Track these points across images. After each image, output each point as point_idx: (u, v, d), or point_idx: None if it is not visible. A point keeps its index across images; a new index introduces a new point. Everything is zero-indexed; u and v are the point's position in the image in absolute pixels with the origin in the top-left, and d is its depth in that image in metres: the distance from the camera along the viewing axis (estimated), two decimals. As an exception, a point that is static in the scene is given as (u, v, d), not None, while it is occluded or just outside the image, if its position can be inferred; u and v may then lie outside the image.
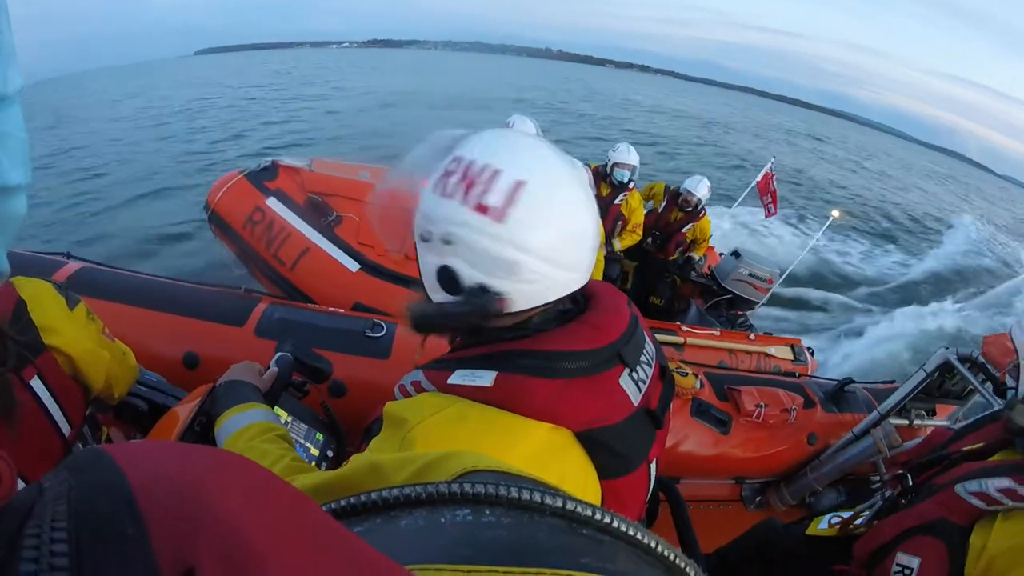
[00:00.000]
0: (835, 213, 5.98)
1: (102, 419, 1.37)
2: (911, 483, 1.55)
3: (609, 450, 0.83)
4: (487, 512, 0.33)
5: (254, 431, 1.06)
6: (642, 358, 0.93)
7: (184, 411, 1.34)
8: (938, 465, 1.52)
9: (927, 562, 1.33)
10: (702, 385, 2.54)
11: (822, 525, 1.85)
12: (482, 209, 0.80)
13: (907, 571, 1.35)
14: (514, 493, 0.33)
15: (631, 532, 0.33)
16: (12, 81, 0.39)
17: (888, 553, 1.42)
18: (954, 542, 1.31)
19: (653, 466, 0.96)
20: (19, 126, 0.41)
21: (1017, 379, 1.31)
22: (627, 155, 4.54)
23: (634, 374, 0.89)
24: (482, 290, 0.83)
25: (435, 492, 0.34)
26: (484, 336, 0.88)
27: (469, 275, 0.83)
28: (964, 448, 1.49)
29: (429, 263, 0.87)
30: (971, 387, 2.22)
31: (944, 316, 8.76)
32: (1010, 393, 1.37)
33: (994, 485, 1.28)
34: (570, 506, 0.33)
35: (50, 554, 0.21)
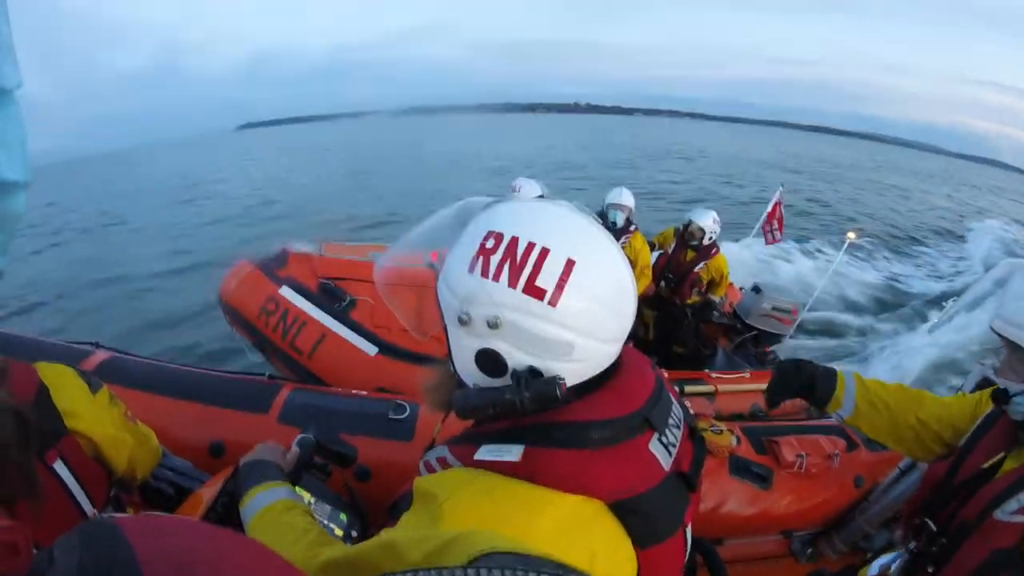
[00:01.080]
0: (851, 235, 5.94)
1: (127, 500, 1.39)
2: (934, 527, 1.48)
3: (643, 518, 0.80)
4: None
5: (280, 507, 1.05)
6: (670, 420, 0.90)
7: (208, 493, 1.35)
8: (955, 499, 1.46)
9: None
10: (739, 441, 2.49)
11: (872, 572, 1.75)
12: (535, 292, 0.77)
13: None
14: None
15: None
16: (10, 77, 0.39)
17: None
18: (1016, 569, 1.26)
19: (688, 531, 0.93)
20: (18, 124, 0.41)
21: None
22: (620, 196, 4.51)
23: (663, 438, 0.87)
24: (532, 373, 0.81)
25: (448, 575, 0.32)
26: (512, 413, 0.84)
27: (517, 358, 0.81)
28: (983, 465, 1.43)
29: (467, 345, 0.84)
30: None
31: (974, 326, 8.59)
32: (1018, 402, 1.32)
33: None
34: None
35: None
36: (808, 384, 1.86)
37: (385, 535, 0.73)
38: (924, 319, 9.30)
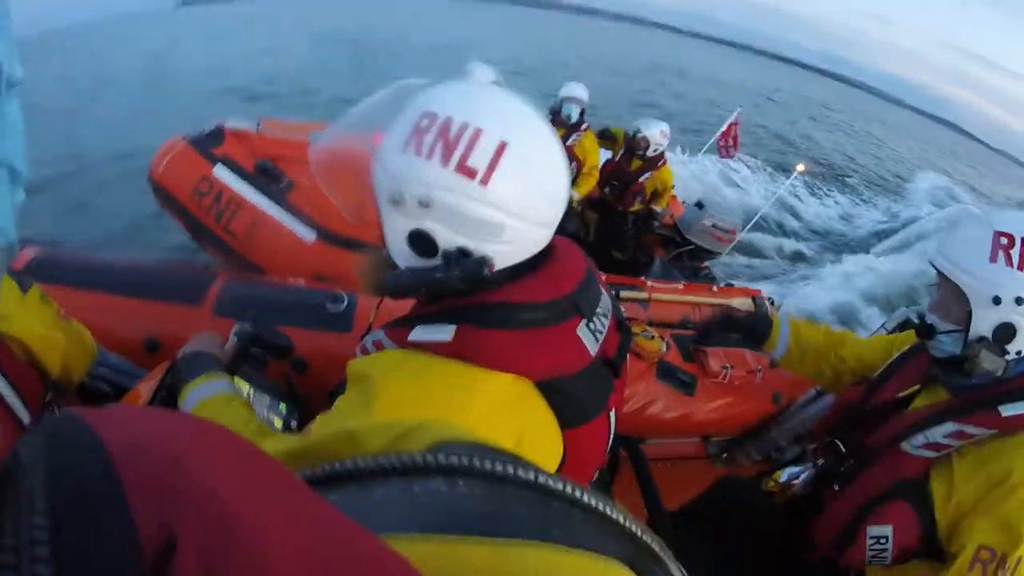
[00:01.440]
0: (800, 167, 6.02)
1: (65, 403, 1.32)
2: (843, 448, 1.57)
3: (569, 399, 0.85)
4: (460, 483, 0.33)
5: (220, 400, 1.06)
6: (599, 309, 0.94)
7: (146, 388, 1.33)
8: (865, 425, 1.53)
9: (899, 526, 1.34)
10: (668, 347, 2.53)
11: (782, 479, 1.88)
12: (466, 172, 0.78)
13: (882, 541, 1.35)
14: (487, 465, 0.33)
15: (600, 507, 0.33)
16: (15, 72, 0.40)
17: (855, 531, 1.41)
18: (917, 498, 1.32)
19: (612, 415, 0.98)
20: (17, 118, 0.41)
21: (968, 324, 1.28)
22: (575, 89, 4.44)
23: (591, 324, 0.90)
24: (462, 254, 0.82)
25: (410, 462, 0.34)
26: (443, 293, 0.87)
27: (448, 239, 0.83)
28: (897, 395, 1.50)
29: (399, 226, 0.85)
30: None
31: (904, 261, 8.95)
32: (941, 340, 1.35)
33: (941, 432, 1.31)
34: (542, 479, 0.33)
35: (30, 515, 0.20)
36: (749, 324, 1.96)
37: (336, 423, 0.78)
38: (864, 251, 9.67)
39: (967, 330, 1.29)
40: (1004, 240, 1.23)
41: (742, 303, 3.98)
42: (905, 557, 1.35)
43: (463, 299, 0.84)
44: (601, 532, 0.32)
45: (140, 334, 2.05)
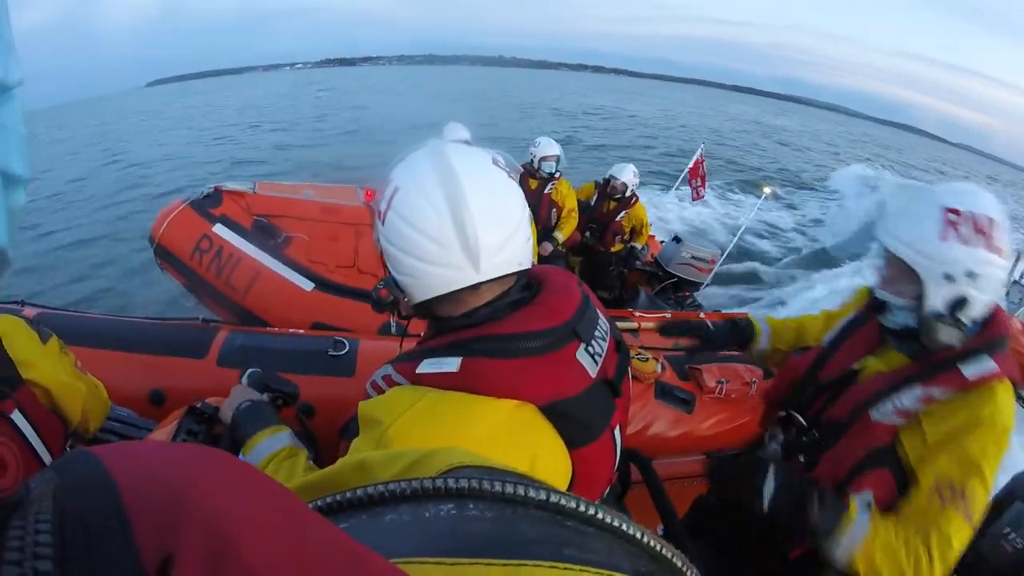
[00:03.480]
0: (767, 189, 6.20)
1: None
2: (803, 422, 1.59)
3: (572, 421, 0.90)
4: (471, 506, 0.33)
5: (284, 453, 1.14)
6: (596, 333, 0.99)
7: (160, 435, 1.36)
8: (821, 397, 1.56)
9: (879, 491, 1.37)
10: (663, 368, 2.60)
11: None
12: (377, 214, 0.95)
13: (864, 502, 1.38)
14: (497, 487, 0.33)
15: (615, 523, 0.33)
16: (12, 73, 0.39)
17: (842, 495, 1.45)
18: (894, 463, 1.36)
19: (617, 433, 1.02)
20: (18, 120, 0.41)
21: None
22: (549, 147, 4.68)
23: (590, 348, 0.95)
24: (394, 280, 0.96)
25: (419, 487, 0.34)
26: (446, 327, 0.96)
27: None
28: (851, 366, 1.54)
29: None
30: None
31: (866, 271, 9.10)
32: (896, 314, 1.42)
33: (909, 398, 1.35)
34: (553, 498, 0.33)
35: (34, 544, 0.21)
36: (731, 328, 2.02)
37: (350, 456, 0.76)
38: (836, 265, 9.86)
39: (920, 305, 1.33)
40: (952, 216, 1.27)
41: (731, 325, 4.08)
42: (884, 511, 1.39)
43: (465, 332, 0.91)
44: (615, 549, 0.32)
45: (145, 388, 2.09)
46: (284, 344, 2.35)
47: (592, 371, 0.93)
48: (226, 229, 3.39)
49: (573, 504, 0.33)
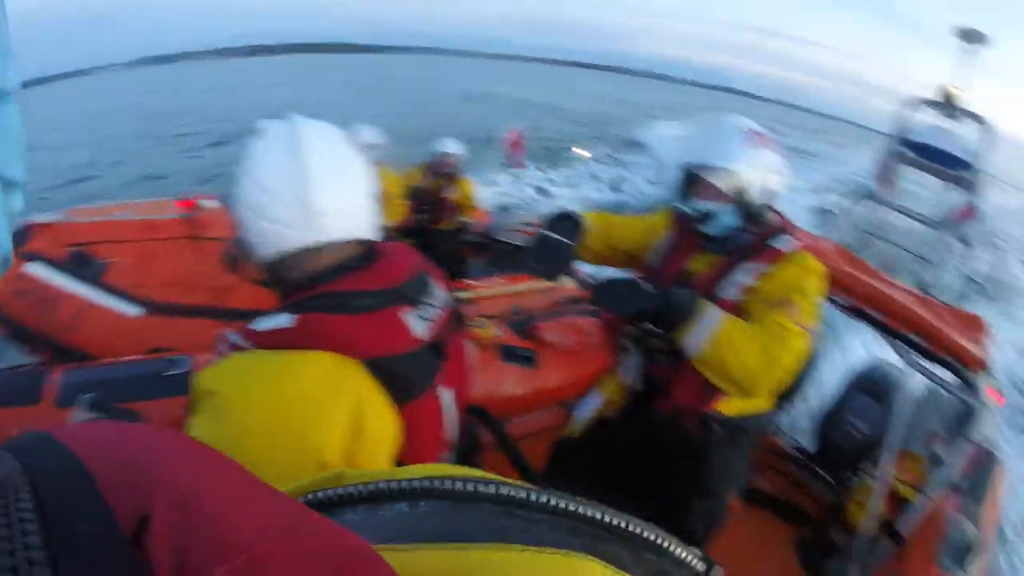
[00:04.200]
0: (581, 152, 6.45)
1: None
2: (654, 328, 1.89)
3: (395, 377, 0.95)
4: (422, 504, 0.36)
5: None
6: (431, 300, 1.07)
7: None
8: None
9: None
10: (502, 332, 2.59)
11: (581, 416, 2.28)
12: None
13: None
14: (448, 485, 0.35)
15: (564, 506, 0.34)
16: (11, 78, 0.39)
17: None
18: None
19: (448, 395, 1.09)
20: (17, 123, 0.42)
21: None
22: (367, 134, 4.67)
23: (420, 312, 1.03)
24: (242, 242, 1.03)
25: (375, 489, 0.37)
26: (288, 291, 1.02)
27: None
28: (683, 267, 1.87)
29: None
30: None
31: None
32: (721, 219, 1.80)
33: (743, 272, 1.73)
34: (503, 491, 0.35)
35: (23, 533, 0.22)
36: (553, 242, 2.10)
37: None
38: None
39: (743, 204, 1.70)
40: (753, 134, 1.70)
41: (565, 280, 4.19)
42: None
43: (304, 291, 0.98)
44: (563, 529, 0.34)
45: None
46: (117, 374, 2.22)
47: (418, 333, 1.00)
48: (40, 266, 3.09)
49: (523, 494, 0.35)
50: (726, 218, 1.73)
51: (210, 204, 3.70)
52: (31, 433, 0.29)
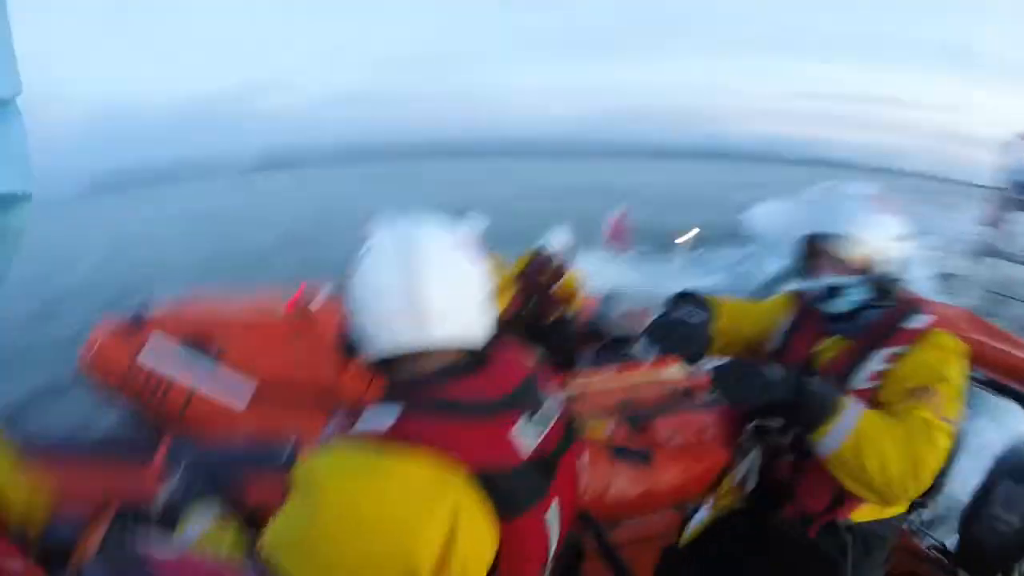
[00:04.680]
0: (688, 236, 6.40)
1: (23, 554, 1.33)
2: (774, 424, 1.73)
3: (499, 493, 0.89)
4: None
5: (215, 527, 1.12)
6: (540, 411, 1.01)
7: (94, 538, 1.34)
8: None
9: None
10: (614, 428, 2.51)
11: (691, 526, 2.03)
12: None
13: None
14: None
15: None
16: (12, 87, 0.39)
17: None
18: None
19: (553, 515, 1.01)
20: (20, 133, 0.41)
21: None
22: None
23: (530, 424, 0.97)
24: (352, 340, 1.04)
25: None
26: (391, 388, 0.99)
27: None
28: (809, 352, 1.70)
29: None
30: None
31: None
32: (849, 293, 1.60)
33: (878, 360, 1.54)
34: None
35: None
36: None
37: (278, 525, 0.88)
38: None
39: (873, 276, 1.55)
40: (872, 199, 1.58)
41: (673, 372, 4.06)
42: None
43: (410, 392, 0.95)
44: None
45: (92, 496, 1.94)
46: (227, 451, 2.26)
47: (528, 448, 0.95)
48: (154, 353, 3.27)
49: None
50: (855, 292, 1.57)
51: (322, 295, 3.83)
52: (130, 554, 0.27)
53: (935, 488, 1.77)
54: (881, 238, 1.55)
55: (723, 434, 2.52)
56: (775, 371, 1.50)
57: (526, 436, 0.96)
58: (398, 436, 0.87)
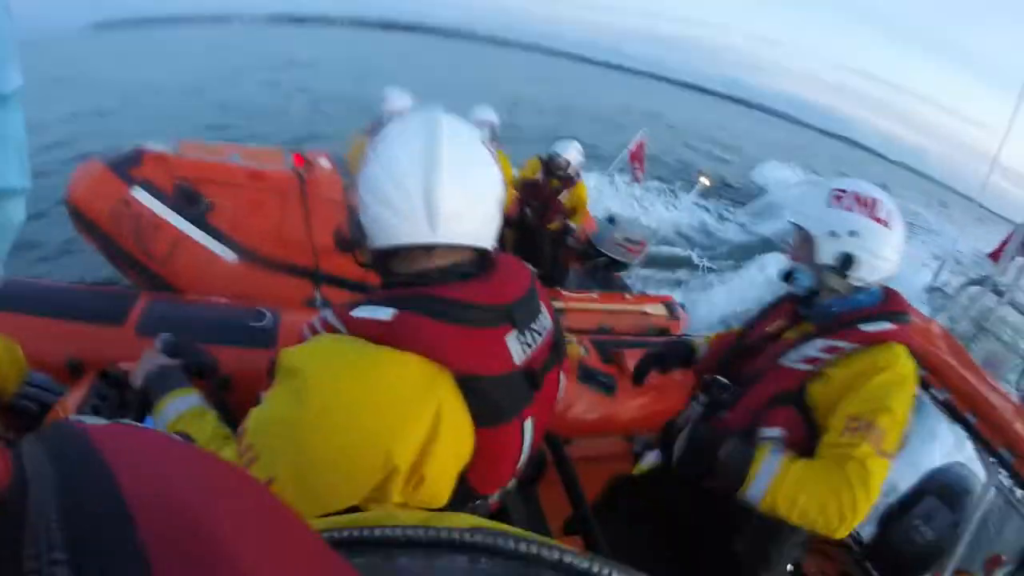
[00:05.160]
0: (704, 180, 6.26)
1: None
2: (725, 380, 1.73)
3: (483, 399, 0.90)
4: (482, 561, 0.34)
5: (193, 414, 1.15)
6: (534, 325, 1.02)
7: (73, 400, 1.35)
8: (744, 357, 1.76)
9: (787, 428, 1.51)
10: (587, 351, 2.59)
11: (644, 462, 2.00)
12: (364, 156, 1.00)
13: (776, 443, 1.51)
14: (511, 544, 0.34)
15: None
16: (12, 80, 0.39)
17: (751, 434, 1.56)
18: (799, 403, 1.52)
19: (529, 425, 1.02)
20: (18, 128, 0.41)
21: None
22: (484, 112, 4.69)
23: (522, 336, 0.98)
24: (359, 222, 1.01)
25: (435, 536, 0.35)
26: (393, 282, 1.00)
27: None
28: (767, 331, 1.75)
29: None
30: None
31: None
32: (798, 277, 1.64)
33: (814, 348, 1.55)
34: (567, 559, 0.33)
35: (49, 551, 0.20)
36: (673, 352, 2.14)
37: (262, 414, 0.88)
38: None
39: (817, 267, 1.58)
40: (838, 193, 1.57)
41: (655, 309, 4.15)
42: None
43: (410, 289, 0.94)
44: None
45: (63, 355, 1.99)
46: (204, 313, 2.27)
47: (517, 358, 0.95)
48: (145, 193, 3.18)
49: (586, 564, 0.33)
50: (804, 277, 1.62)
51: (323, 163, 3.76)
52: (68, 430, 0.26)
53: None
54: (835, 236, 1.55)
55: (685, 377, 2.63)
56: (688, 432, 1.61)
57: (518, 346, 0.96)
58: (392, 332, 0.87)
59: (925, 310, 4.53)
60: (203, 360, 1.42)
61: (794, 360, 1.57)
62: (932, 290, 5.29)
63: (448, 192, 0.92)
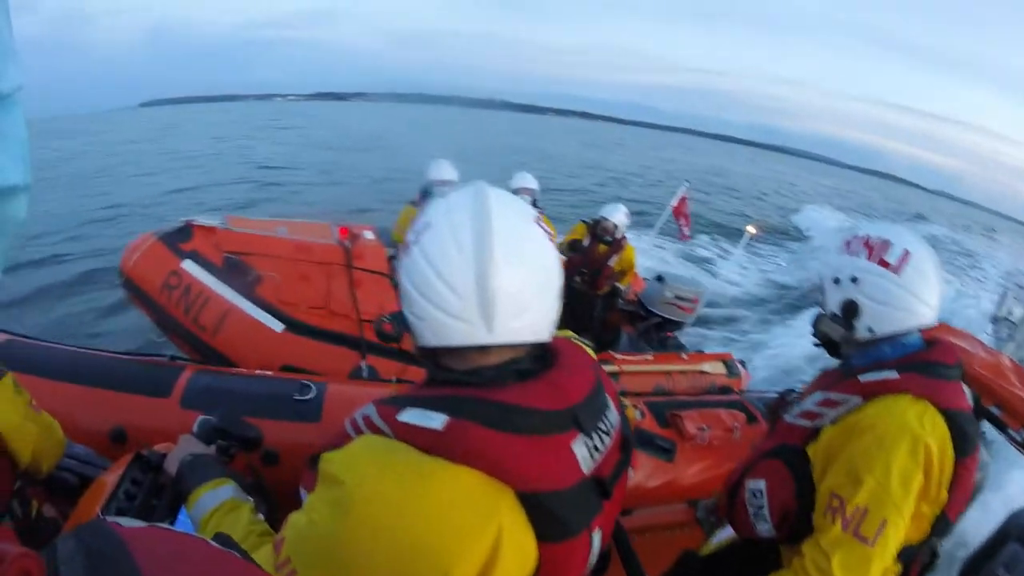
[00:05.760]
0: (750, 229, 6.19)
1: (31, 493, 1.36)
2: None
3: (549, 515, 0.80)
4: None
5: (226, 508, 1.08)
6: (601, 425, 0.91)
7: (110, 479, 1.32)
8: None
9: (771, 480, 1.46)
10: (643, 415, 2.55)
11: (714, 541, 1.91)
12: (404, 246, 0.91)
13: (757, 494, 1.48)
14: None
15: None
16: (12, 79, 0.39)
17: (738, 487, 1.55)
18: (793, 459, 1.44)
19: (597, 535, 0.91)
20: (19, 126, 0.41)
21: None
22: (525, 180, 4.93)
23: (589, 441, 0.87)
24: (405, 318, 0.92)
25: None
26: (444, 378, 0.89)
27: None
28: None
29: None
30: None
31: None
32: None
33: (812, 401, 1.48)
34: None
35: None
36: None
37: (301, 521, 0.81)
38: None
39: (828, 315, 1.53)
40: (850, 238, 1.51)
41: (713, 367, 4.06)
42: (787, 520, 1.41)
43: (464, 389, 0.85)
44: None
45: (107, 424, 2.04)
46: (249, 386, 2.30)
47: (586, 467, 0.86)
48: (195, 266, 3.32)
49: None
50: (822, 326, 1.54)
51: (367, 235, 3.85)
52: (104, 531, 0.26)
53: (947, 527, 1.71)
54: (862, 293, 1.44)
55: (749, 435, 2.55)
56: None
57: (585, 452, 0.86)
58: (445, 443, 0.78)
59: (990, 342, 4.30)
60: (248, 435, 1.40)
61: (795, 415, 1.52)
62: (997, 320, 5.01)
63: (504, 288, 0.82)
